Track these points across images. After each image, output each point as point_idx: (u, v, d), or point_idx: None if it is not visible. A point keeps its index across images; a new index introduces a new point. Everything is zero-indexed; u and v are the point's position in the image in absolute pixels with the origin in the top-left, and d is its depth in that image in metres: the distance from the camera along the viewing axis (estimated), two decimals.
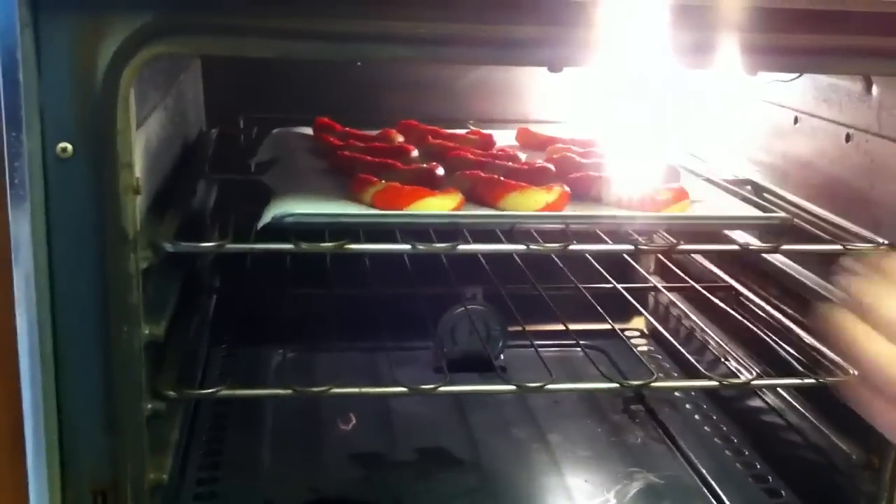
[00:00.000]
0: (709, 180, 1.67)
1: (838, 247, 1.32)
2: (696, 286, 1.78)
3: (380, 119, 1.93)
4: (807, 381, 1.37)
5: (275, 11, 1.11)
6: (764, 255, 1.59)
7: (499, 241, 1.34)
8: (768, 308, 1.67)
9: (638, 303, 1.84)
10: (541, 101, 2.14)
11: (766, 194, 1.64)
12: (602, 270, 1.87)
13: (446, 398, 1.75)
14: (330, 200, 1.35)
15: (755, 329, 1.62)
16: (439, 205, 1.32)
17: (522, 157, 1.67)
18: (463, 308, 1.66)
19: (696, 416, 1.83)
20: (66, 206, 1.12)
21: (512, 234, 1.32)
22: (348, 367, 1.57)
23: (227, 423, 1.70)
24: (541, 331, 1.82)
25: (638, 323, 2.21)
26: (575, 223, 1.34)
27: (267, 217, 1.24)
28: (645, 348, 2.15)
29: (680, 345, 1.66)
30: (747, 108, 1.83)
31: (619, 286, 1.84)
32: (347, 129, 1.79)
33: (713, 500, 1.56)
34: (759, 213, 1.41)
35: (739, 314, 1.72)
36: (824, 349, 1.38)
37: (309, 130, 1.85)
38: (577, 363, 1.94)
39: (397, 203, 1.31)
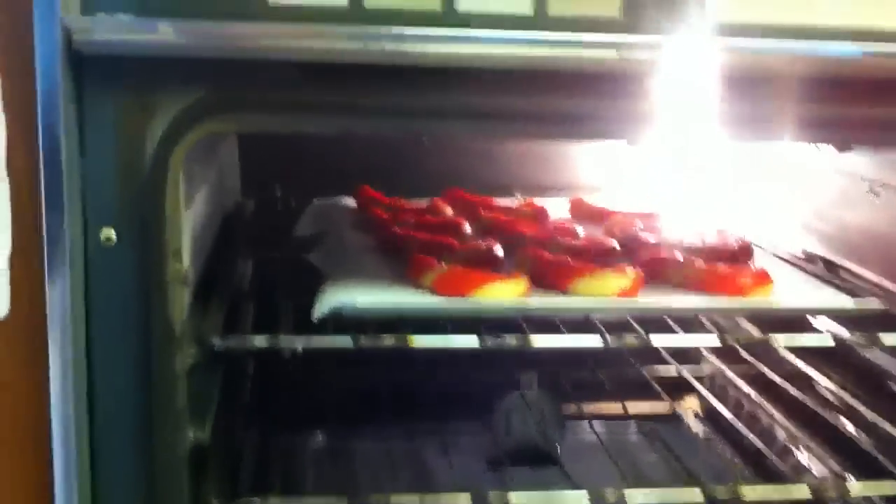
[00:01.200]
0: (779, 257, 1.57)
1: None
2: (765, 370, 1.67)
3: (420, 186, 1.84)
4: None
5: (334, 85, 1.03)
6: None
7: (563, 329, 1.23)
8: (844, 396, 1.55)
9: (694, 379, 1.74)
10: (590, 167, 2.05)
11: (842, 272, 1.54)
12: (661, 349, 1.77)
13: None
14: (385, 285, 1.26)
15: (831, 419, 1.51)
16: (506, 291, 1.22)
17: (580, 231, 1.57)
18: (519, 395, 1.55)
19: None
20: (107, 298, 1.02)
21: (583, 322, 1.21)
22: (390, 454, 1.45)
23: None
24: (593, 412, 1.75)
25: (692, 402, 2.09)
26: (656, 312, 1.23)
27: (324, 307, 1.14)
28: (700, 431, 2.03)
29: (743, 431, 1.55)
30: (809, 175, 1.73)
31: (678, 366, 1.73)
32: (393, 200, 1.70)
33: None
34: (848, 298, 1.30)
35: (811, 401, 1.61)
36: None
37: (351, 201, 1.76)
38: (631, 448, 1.83)
39: (461, 289, 1.22)
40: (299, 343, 1.12)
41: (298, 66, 1.01)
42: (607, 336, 1.16)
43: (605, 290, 1.24)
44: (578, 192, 1.98)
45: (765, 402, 1.75)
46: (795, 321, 1.33)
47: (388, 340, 1.13)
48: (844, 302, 1.29)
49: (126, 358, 1.02)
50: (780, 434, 1.65)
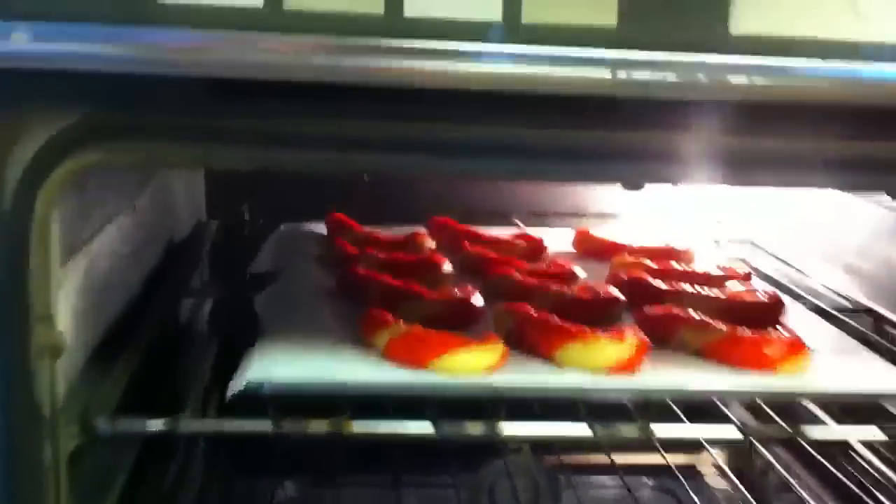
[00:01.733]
0: (819, 310, 1.33)
1: None
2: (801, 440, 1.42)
3: (410, 210, 1.61)
4: None
5: (248, 108, 0.80)
6: None
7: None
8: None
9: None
10: (598, 190, 1.81)
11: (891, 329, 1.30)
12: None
13: None
14: (329, 347, 1.03)
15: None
16: (474, 361, 0.98)
17: (581, 274, 1.34)
18: (503, 463, 1.32)
19: None
20: None
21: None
22: None
23: None
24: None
25: (707, 456, 1.85)
26: (661, 396, 1.00)
27: (239, 383, 0.91)
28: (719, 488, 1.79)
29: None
30: (851, 205, 1.49)
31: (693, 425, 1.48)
32: (366, 230, 1.48)
33: None
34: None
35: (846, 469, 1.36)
36: None
37: (322, 227, 1.54)
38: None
39: (417, 357, 0.99)
40: (204, 427, 0.90)
41: (202, 82, 0.79)
42: (596, 427, 0.92)
43: (598, 362, 1.00)
44: (591, 220, 1.75)
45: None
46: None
47: (317, 426, 0.90)
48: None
49: None
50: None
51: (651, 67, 0.77)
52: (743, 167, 0.86)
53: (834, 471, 1.35)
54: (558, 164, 0.85)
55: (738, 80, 0.77)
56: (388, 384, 0.94)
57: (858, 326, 1.30)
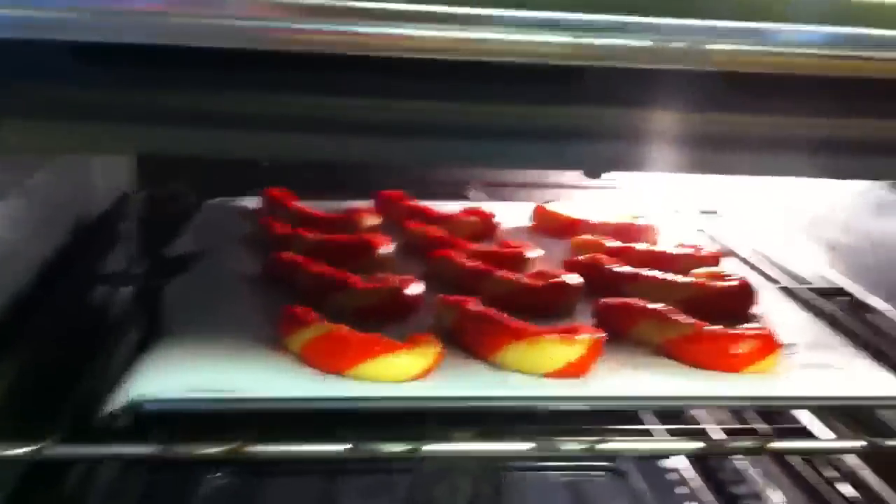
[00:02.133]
0: (789, 291, 1.21)
1: None
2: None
3: (363, 181, 1.47)
4: None
5: (137, 80, 0.67)
6: None
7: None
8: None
9: None
10: None
11: (873, 315, 1.18)
12: None
13: None
14: (238, 353, 0.89)
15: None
16: (401, 367, 0.86)
17: (533, 255, 1.21)
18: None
19: None
20: None
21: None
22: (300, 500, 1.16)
23: None
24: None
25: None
26: (610, 407, 0.88)
27: (118, 400, 0.78)
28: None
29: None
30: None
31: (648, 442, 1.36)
32: (303, 206, 1.34)
33: None
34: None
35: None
36: None
37: (254, 201, 1.40)
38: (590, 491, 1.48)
39: (336, 363, 0.86)
40: (75, 452, 0.78)
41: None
42: (539, 440, 0.80)
43: (544, 365, 0.88)
44: (553, 192, 1.62)
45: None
46: None
47: (212, 449, 0.78)
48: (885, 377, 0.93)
49: None
50: None
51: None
52: (725, 151, 0.73)
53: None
54: (512, 146, 0.72)
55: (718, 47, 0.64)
56: (291, 399, 0.81)
57: (832, 309, 1.20)
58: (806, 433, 1.14)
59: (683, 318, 0.96)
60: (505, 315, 0.94)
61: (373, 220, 1.31)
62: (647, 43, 0.63)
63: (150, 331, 0.99)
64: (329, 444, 0.79)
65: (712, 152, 0.73)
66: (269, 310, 1.00)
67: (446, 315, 0.97)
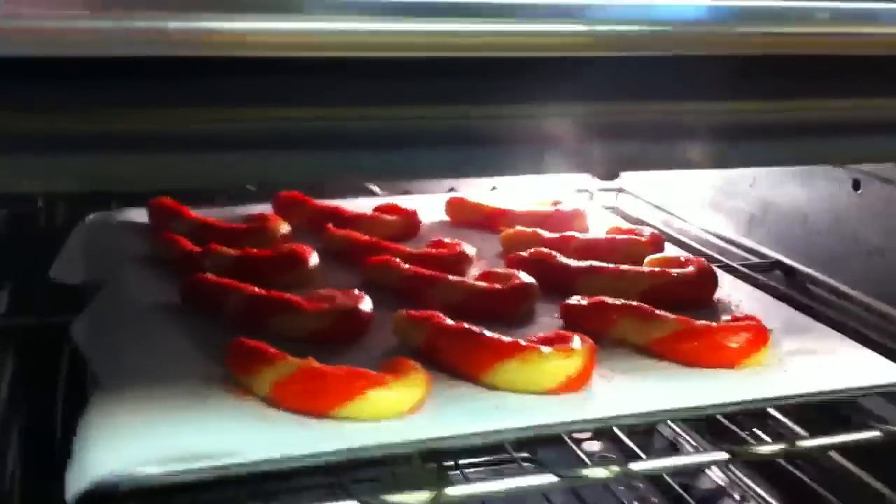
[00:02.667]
0: (726, 267, 1.18)
1: None
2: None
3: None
4: None
5: None
6: None
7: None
8: None
9: None
10: None
11: (809, 285, 1.17)
12: None
13: None
14: (196, 401, 0.77)
15: None
16: (393, 402, 0.76)
17: (471, 251, 1.13)
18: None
19: None
20: None
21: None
22: None
23: None
24: None
25: None
26: (635, 422, 0.80)
27: (83, 479, 0.65)
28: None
29: None
30: None
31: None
32: (200, 216, 1.20)
33: None
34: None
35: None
36: None
37: (141, 214, 1.25)
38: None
39: (318, 404, 0.75)
40: None
41: None
42: (562, 473, 0.72)
43: (542, 382, 0.80)
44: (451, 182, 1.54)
45: None
46: None
47: None
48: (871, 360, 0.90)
49: None
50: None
51: None
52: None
53: None
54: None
55: None
56: (293, 459, 0.70)
57: (775, 284, 1.18)
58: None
59: (668, 315, 0.90)
60: (483, 328, 0.85)
61: (285, 228, 1.18)
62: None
63: (69, 383, 0.85)
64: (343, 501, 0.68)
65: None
66: (204, 343, 0.88)
67: (414, 333, 0.87)
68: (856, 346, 0.93)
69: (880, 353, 0.91)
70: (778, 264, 1.23)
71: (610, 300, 0.93)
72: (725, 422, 0.86)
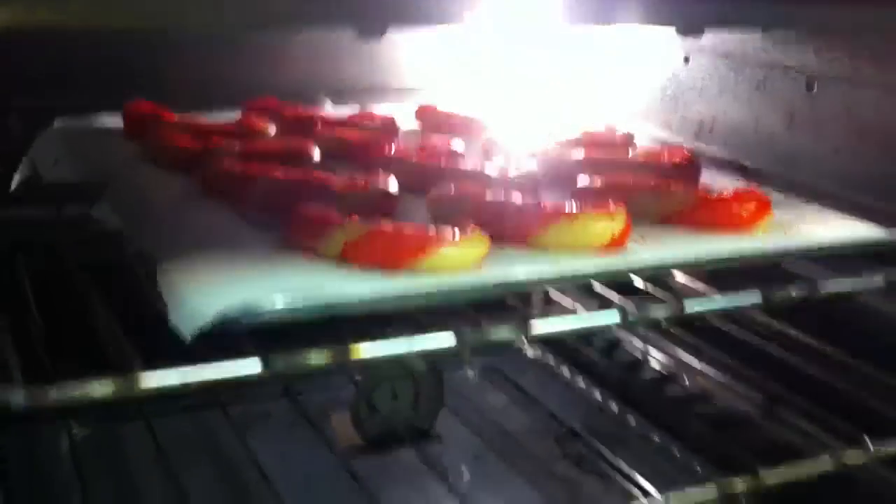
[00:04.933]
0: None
1: None
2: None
3: (178, 95, 1.33)
4: None
5: None
6: None
7: None
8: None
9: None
10: (391, 64, 1.62)
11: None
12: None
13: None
14: (264, 258, 0.79)
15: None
16: (461, 257, 0.80)
17: (459, 147, 1.17)
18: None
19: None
20: None
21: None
22: (174, 439, 1.09)
23: None
24: None
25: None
26: (679, 266, 0.87)
27: (204, 314, 0.66)
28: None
29: None
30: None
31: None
32: (186, 118, 1.19)
33: None
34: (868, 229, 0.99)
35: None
36: None
37: (114, 121, 1.23)
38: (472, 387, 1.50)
39: (392, 258, 0.78)
40: (175, 382, 0.65)
41: None
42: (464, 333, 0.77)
43: (593, 240, 0.85)
44: (393, 95, 1.56)
45: None
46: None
47: (318, 360, 0.68)
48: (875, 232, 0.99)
49: None
50: None
51: None
52: None
53: None
54: None
55: None
56: (402, 296, 0.73)
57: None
58: None
59: (681, 188, 0.97)
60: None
61: (272, 129, 1.19)
62: None
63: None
64: (434, 335, 0.72)
65: None
66: (249, 221, 0.89)
67: (455, 208, 0.91)
68: (834, 213, 1.02)
69: None
70: (735, 164, 1.31)
71: (624, 178, 0.99)
72: None
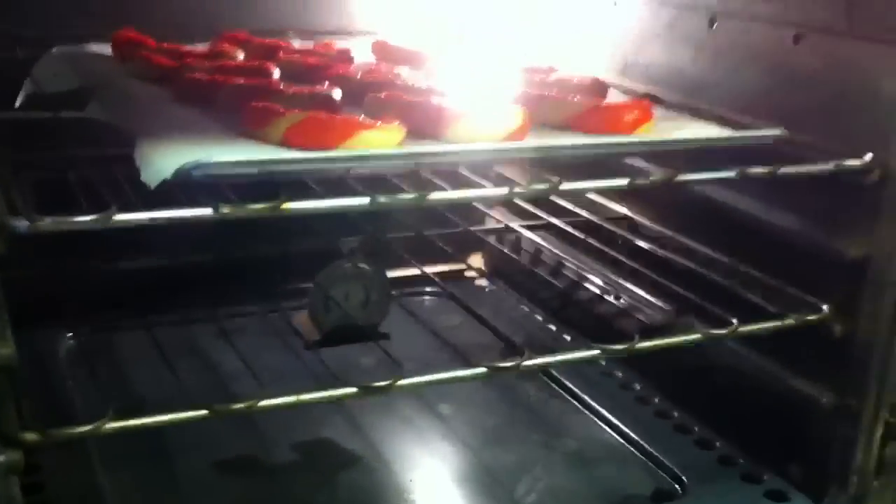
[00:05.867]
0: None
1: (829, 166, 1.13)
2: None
3: (174, 28, 1.51)
4: (787, 322, 1.19)
5: None
6: None
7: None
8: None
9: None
10: (361, 9, 1.80)
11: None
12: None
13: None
14: (220, 141, 0.97)
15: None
16: (383, 140, 0.98)
17: (405, 73, 1.35)
18: (342, 264, 1.33)
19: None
20: None
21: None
22: (163, 344, 1.19)
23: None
24: None
25: (477, 262, 1.97)
26: (559, 153, 1.06)
27: (164, 169, 0.84)
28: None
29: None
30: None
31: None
32: (165, 44, 1.37)
33: (649, 462, 1.37)
34: (743, 132, 1.18)
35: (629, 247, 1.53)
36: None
37: (104, 49, 1.41)
38: (427, 311, 1.74)
39: (325, 140, 0.96)
40: (140, 218, 0.84)
41: None
42: (513, 187, 0.96)
43: (493, 134, 1.04)
44: (355, 37, 1.74)
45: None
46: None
47: (259, 207, 0.87)
48: (729, 132, 1.18)
49: None
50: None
51: None
52: None
53: None
54: None
55: None
56: (325, 161, 0.92)
57: None
58: None
59: (578, 98, 1.15)
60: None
61: (241, 55, 1.37)
62: None
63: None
64: (352, 198, 0.90)
65: None
66: (207, 119, 1.07)
67: (383, 109, 1.09)
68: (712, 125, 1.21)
69: None
70: (649, 95, 1.50)
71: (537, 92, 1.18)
72: None
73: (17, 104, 1.34)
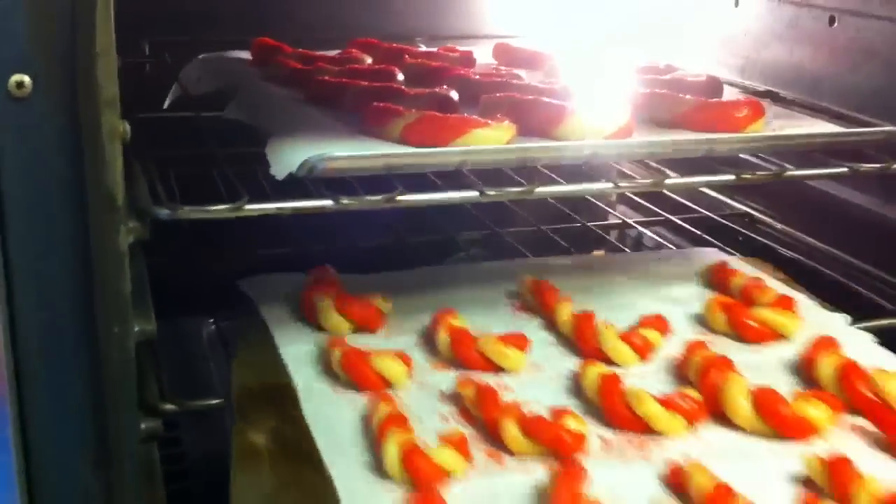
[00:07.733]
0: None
1: None
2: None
3: (296, 39, 1.61)
4: None
5: None
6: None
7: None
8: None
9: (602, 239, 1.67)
10: (490, 13, 1.86)
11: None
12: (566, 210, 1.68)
13: None
14: (341, 139, 1.05)
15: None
16: (493, 138, 1.04)
17: (524, 76, 1.40)
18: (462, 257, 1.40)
19: None
20: (24, 164, 0.79)
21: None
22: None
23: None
24: None
25: None
26: (662, 150, 1.09)
27: (290, 162, 0.92)
28: None
29: None
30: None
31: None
32: (300, 50, 1.47)
33: None
34: (853, 129, 1.19)
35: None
36: None
37: (244, 55, 1.51)
38: None
39: (439, 138, 1.03)
40: (271, 208, 0.92)
41: None
42: (618, 182, 1.01)
43: (599, 131, 1.08)
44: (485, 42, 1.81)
45: None
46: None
47: (375, 199, 0.94)
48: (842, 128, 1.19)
49: (57, 238, 0.80)
50: None
51: None
52: None
53: None
54: None
55: None
56: (435, 157, 0.99)
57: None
58: None
59: (688, 96, 1.18)
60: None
61: (368, 59, 1.45)
62: None
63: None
64: (462, 191, 0.96)
65: None
66: (334, 119, 1.15)
67: (497, 108, 1.14)
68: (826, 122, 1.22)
69: None
70: (768, 93, 1.51)
71: (643, 91, 1.21)
72: None
73: (166, 105, 1.46)
